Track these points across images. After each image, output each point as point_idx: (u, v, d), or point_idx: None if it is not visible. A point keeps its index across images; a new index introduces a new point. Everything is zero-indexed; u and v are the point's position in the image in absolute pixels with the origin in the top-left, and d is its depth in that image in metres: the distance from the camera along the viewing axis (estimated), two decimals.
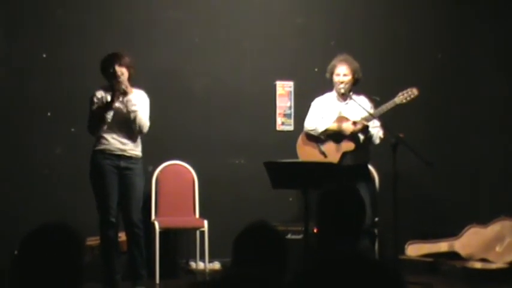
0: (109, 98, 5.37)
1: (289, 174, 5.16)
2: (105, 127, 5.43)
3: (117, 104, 5.43)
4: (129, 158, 5.48)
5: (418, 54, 7.10)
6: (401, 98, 5.72)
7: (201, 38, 6.74)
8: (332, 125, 5.83)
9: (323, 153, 5.86)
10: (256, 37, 6.85)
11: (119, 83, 5.37)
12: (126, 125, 5.46)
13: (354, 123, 5.75)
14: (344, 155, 5.79)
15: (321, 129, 5.84)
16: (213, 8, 6.78)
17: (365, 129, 5.78)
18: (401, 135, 5.53)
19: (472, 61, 7.21)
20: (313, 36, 6.94)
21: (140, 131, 5.48)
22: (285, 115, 6.86)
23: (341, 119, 5.82)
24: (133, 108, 5.42)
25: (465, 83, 7.20)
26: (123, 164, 5.46)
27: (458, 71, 7.20)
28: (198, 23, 6.74)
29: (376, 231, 5.94)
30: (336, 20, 7.00)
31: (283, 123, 6.86)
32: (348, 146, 5.78)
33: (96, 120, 5.40)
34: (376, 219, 5.98)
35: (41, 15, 6.42)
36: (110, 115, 5.40)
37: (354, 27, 6.99)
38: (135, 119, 5.41)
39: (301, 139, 6.00)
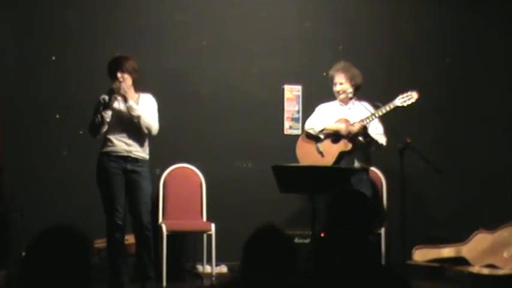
0: (107, 99, 5.38)
1: (297, 178, 5.17)
2: (105, 128, 5.43)
3: (122, 108, 5.45)
4: (135, 160, 5.49)
5: (426, 59, 7.10)
6: (400, 100, 5.73)
7: (209, 41, 6.76)
8: (330, 125, 5.86)
9: (320, 153, 5.88)
10: (265, 41, 6.86)
11: (118, 88, 5.39)
12: (132, 127, 5.48)
13: (352, 124, 5.77)
14: (341, 155, 5.80)
15: (318, 128, 5.87)
16: (221, 12, 6.80)
17: (364, 132, 5.78)
18: (408, 140, 5.52)
19: (480, 66, 7.20)
20: (321, 40, 6.94)
21: (149, 134, 5.50)
22: (292, 119, 6.87)
23: (340, 120, 5.85)
24: (135, 113, 5.43)
25: (474, 88, 7.19)
26: (129, 166, 5.47)
27: (466, 76, 7.19)
28: (206, 26, 6.75)
29: (373, 237, 5.94)
30: (344, 25, 7.00)
31: (291, 127, 6.86)
32: (345, 145, 5.80)
33: (95, 121, 5.42)
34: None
35: (50, 18, 6.45)
36: (108, 115, 5.40)
37: (362, 32, 6.99)
38: (139, 123, 5.43)
39: (301, 138, 6.04)
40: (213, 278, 6.13)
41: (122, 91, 5.43)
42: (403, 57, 7.06)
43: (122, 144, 5.47)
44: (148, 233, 5.50)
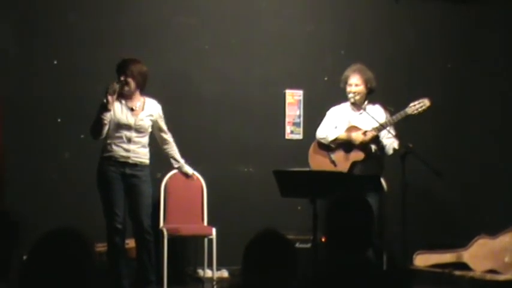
0: (104, 100, 5.39)
1: (298, 182, 5.16)
2: (105, 130, 5.43)
3: (122, 113, 5.46)
4: (134, 165, 5.51)
5: (428, 64, 7.11)
6: (412, 108, 5.69)
7: (211, 44, 6.76)
8: (342, 134, 5.83)
9: (333, 162, 5.86)
10: (266, 46, 6.86)
11: (113, 88, 5.38)
12: (131, 134, 5.49)
13: (364, 133, 5.74)
14: (354, 164, 5.78)
15: (331, 137, 5.85)
16: (223, 15, 6.80)
17: (375, 140, 5.76)
18: (410, 145, 5.52)
19: (481, 71, 7.20)
20: (323, 45, 6.95)
21: None
22: (294, 124, 6.87)
23: (352, 128, 5.82)
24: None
25: (475, 92, 7.20)
26: (128, 171, 5.48)
27: (468, 80, 7.20)
28: (208, 29, 6.76)
29: (379, 243, 5.92)
30: (346, 29, 7.01)
31: (292, 132, 6.86)
32: (357, 155, 5.78)
33: (95, 122, 5.44)
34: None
35: (52, 21, 6.45)
36: (106, 116, 5.40)
37: (364, 37, 7.00)
38: None
39: (312, 148, 6.00)
40: (214, 283, 6.13)
41: (126, 93, 5.44)
42: (405, 62, 7.06)
43: (120, 149, 5.48)
44: (149, 237, 5.51)
